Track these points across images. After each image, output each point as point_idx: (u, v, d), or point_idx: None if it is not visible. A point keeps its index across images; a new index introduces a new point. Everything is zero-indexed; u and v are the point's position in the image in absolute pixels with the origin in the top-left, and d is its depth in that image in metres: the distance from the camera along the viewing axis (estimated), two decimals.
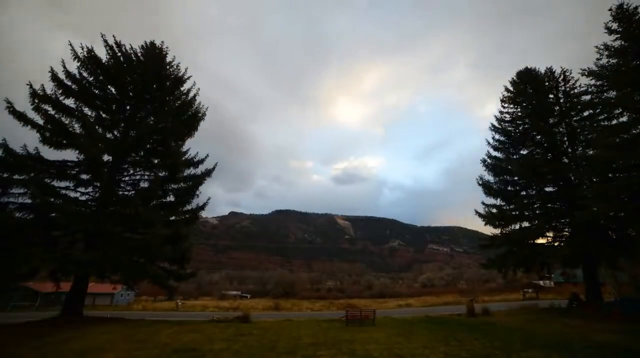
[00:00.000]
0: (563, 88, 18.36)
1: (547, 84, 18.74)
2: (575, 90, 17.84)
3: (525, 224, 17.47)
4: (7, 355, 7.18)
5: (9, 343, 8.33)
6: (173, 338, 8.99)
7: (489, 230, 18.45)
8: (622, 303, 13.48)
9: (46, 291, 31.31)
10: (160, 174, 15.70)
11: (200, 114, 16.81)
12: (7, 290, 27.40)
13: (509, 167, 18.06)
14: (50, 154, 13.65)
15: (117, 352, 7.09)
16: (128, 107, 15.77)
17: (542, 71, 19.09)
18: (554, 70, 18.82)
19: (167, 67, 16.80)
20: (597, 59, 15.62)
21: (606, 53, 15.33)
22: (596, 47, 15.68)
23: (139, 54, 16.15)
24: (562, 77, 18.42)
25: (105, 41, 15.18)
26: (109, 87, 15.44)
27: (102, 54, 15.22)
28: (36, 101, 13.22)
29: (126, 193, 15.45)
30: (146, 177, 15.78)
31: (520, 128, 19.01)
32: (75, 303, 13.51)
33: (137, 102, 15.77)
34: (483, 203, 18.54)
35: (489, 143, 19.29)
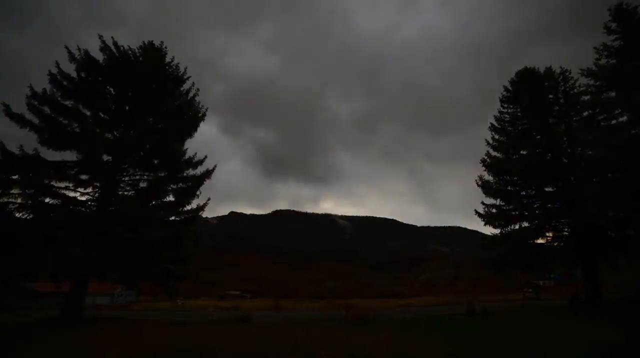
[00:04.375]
0: (562, 88, 18.34)
1: (546, 83, 18.73)
2: (575, 90, 17.83)
3: (525, 224, 17.48)
4: (7, 356, 7.19)
5: (9, 344, 8.34)
6: (173, 338, 9.00)
7: (489, 230, 18.48)
8: (622, 303, 13.51)
9: (46, 291, 31.28)
10: (160, 174, 15.70)
11: (200, 114, 16.80)
12: (7, 290, 27.40)
13: (509, 167, 18.07)
14: (50, 154, 13.66)
15: (117, 352, 7.10)
16: (127, 108, 15.76)
17: (542, 71, 19.08)
18: (553, 70, 18.82)
19: (166, 67, 16.79)
20: (597, 59, 15.64)
21: (605, 53, 15.34)
22: (595, 47, 15.70)
23: (138, 54, 16.14)
24: (561, 77, 18.42)
25: (104, 42, 15.18)
26: (108, 87, 15.44)
27: (100, 54, 15.23)
28: (34, 103, 13.23)
29: (126, 193, 15.46)
30: (146, 177, 15.78)
31: (520, 128, 18.99)
32: (75, 303, 13.50)
33: (136, 102, 15.75)
34: (483, 203, 18.55)
35: (488, 143, 19.27)
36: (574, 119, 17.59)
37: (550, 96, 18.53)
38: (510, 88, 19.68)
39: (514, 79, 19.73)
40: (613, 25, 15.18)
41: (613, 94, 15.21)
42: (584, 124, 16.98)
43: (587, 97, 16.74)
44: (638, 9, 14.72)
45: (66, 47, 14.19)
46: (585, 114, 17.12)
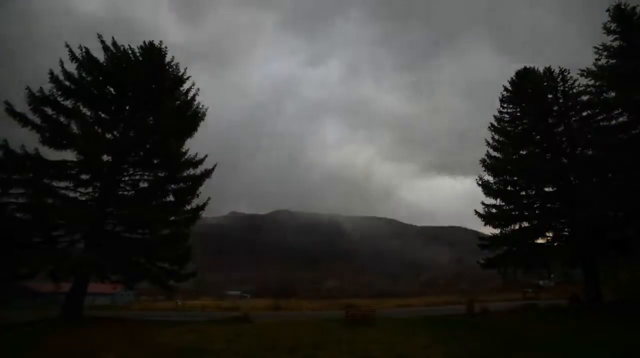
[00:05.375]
0: (562, 88, 18.33)
1: (545, 83, 18.73)
2: (574, 90, 17.82)
3: (525, 224, 17.47)
4: (6, 356, 7.19)
5: (9, 344, 8.34)
6: (173, 338, 8.99)
7: (489, 230, 18.45)
8: (622, 304, 13.51)
9: (46, 291, 31.26)
10: (160, 174, 15.73)
11: (200, 114, 16.83)
12: (6, 290, 27.42)
13: (509, 167, 18.07)
14: (51, 154, 13.69)
15: (117, 352, 7.11)
16: (127, 107, 15.78)
17: (541, 71, 19.08)
18: (552, 70, 18.82)
19: (166, 67, 16.80)
20: (596, 59, 15.65)
21: (605, 53, 15.35)
22: (595, 47, 15.72)
23: (138, 54, 16.15)
24: (560, 77, 18.41)
25: (103, 42, 15.19)
26: (108, 87, 15.46)
27: (100, 54, 15.25)
28: (35, 102, 13.24)
29: (126, 193, 15.47)
30: (146, 177, 15.80)
31: (520, 128, 18.98)
32: (75, 304, 13.51)
33: (136, 102, 15.78)
34: (483, 203, 18.51)
35: (488, 143, 19.23)
36: (574, 119, 17.60)
37: (550, 96, 18.53)
38: (510, 88, 19.68)
39: (513, 78, 19.72)
40: (612, 26, 15.20)
41: (613, 94, 15.21)
42: (584, 123, 16.98)
43: (586, 97, 16.74)
44: (637, 9, 14.74)
45: (67, 46, 14.21)
46: (585, 114, 17.12)
